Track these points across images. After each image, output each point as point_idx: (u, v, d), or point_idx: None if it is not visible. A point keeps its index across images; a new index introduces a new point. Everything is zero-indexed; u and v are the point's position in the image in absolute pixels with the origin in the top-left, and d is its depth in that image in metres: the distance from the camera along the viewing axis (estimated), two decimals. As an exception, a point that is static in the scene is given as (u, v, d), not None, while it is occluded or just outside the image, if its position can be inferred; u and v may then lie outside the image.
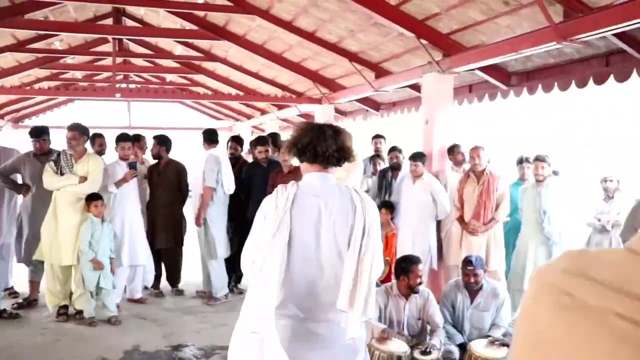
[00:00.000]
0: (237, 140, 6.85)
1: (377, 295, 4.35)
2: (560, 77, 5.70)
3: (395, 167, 6.66)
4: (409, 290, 4.31)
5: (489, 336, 4.33)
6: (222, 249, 6.07)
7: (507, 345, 3.89)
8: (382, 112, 9.61)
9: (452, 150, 6.03)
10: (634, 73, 4.90)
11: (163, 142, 6.30)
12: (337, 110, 10.42)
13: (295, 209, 2.31)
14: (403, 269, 4.35)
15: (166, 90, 13.22)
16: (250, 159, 6.94)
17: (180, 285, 6.52)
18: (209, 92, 12.44)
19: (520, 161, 5.92)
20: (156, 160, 6.34)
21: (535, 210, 5.45)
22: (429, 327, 4.34)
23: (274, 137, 7.10)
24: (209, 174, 5.88)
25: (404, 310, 4.31)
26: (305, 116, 12.01)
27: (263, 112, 13.04)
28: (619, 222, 5.44)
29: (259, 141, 6.43)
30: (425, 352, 3.93)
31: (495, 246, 5.35)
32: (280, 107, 11.82)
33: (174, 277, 6.47)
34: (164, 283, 6.50)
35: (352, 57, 7.69)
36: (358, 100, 9.42)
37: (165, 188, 6.18)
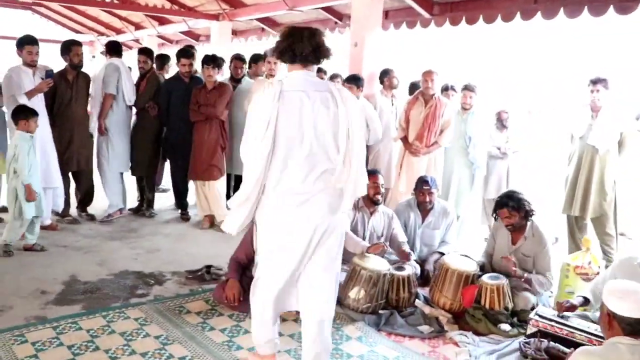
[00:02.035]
0: (146, 53, 6.19)
1: None
2: (486, 10, 5.98)
3: None
4: (370, 202, 4.41)
5: (441, 253, 4.66)
6: (118, 162, 5.84)
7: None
8: (281, 34, 9.29)
9: (387, 74, 6.05)
10: (561, 11, 5.33)
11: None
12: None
13: (281, 103, 2.55)
14: None
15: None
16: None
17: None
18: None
19: (446, 88, 6.17)
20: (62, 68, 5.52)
21: (461, 136, 5.80)
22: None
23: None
24: (108, 80, 5.62)
25: (368, 224, 4.41)
26: (191, 34, 11.19)
27: (138, 26, 11.78)
28: (513, 149, 6.10)
29: (183, 53, 5.87)
30: (399, 269, 4.10)
31: (434, 170, 5.57)
32: (162, 22, 10.79)
33: (86, 201, 5.84)
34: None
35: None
36: (258, 19, 9.00)
37: (79, 102, 5.46)
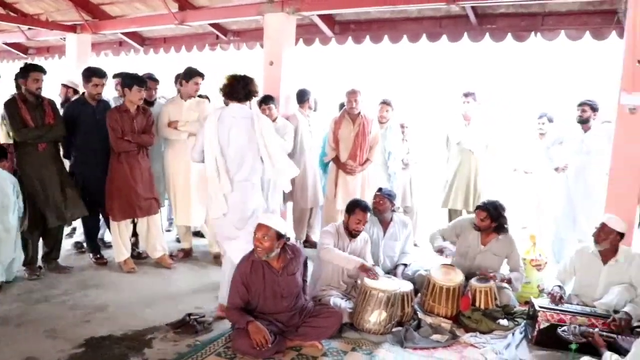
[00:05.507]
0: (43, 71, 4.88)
1: (330, 229, 4.45)
2: (391, 31, 6.38)
3: None
4: (349, 233, 4.46)
5: (404, 264, 4.90)
6: None
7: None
8: (146, 48, 8.61)
9: (309, 94, 6.01)
10: (465, 36, 5.96)
11: None
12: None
13: (220, 122, 3.99)
14: (348, 209, 4.47)
15: None
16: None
17: None
18: None
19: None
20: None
21: (380, 151, 6.08)
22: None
23: None
24: None
25: (347, 250, 4.43)
26: (18, 46, 9.66)
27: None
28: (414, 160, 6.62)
29: (95, 72, 5.07)
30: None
31: (368, 186, 5.70)
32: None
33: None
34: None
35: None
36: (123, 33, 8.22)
37: None
